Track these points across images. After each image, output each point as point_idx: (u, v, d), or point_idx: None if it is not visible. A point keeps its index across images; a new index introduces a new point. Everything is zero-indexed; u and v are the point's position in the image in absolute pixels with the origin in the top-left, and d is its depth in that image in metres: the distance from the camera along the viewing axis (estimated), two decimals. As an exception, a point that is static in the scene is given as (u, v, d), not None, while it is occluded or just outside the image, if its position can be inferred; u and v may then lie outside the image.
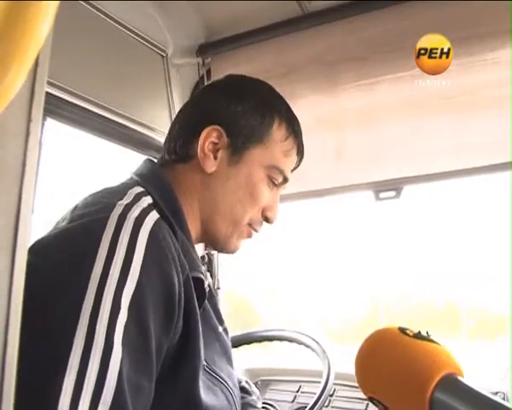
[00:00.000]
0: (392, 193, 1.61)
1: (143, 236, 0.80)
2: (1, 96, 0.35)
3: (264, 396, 1.71)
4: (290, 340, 1.49)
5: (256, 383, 1.76)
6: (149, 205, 0.88)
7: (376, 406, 0.63)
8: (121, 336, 0.72)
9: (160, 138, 1.72)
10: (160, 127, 1.75)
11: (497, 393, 1.45)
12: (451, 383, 0.56)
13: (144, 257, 0.78)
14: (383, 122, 1.60)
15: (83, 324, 0.71)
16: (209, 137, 1.02)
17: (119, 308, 0.73)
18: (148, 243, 0.80)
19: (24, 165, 0.49)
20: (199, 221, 1.05)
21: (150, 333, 0.78)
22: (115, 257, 0.76)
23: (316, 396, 1.28)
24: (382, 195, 1.62)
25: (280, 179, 1.08)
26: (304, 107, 1.72)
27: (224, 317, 1.13)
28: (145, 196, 0.91)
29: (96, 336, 0.70)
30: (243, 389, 1.20)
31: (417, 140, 1.56)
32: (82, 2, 1.47)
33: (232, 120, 1.04)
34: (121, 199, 0.87)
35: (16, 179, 0.48)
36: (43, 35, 0.35)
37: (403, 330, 0.62)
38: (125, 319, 0.73)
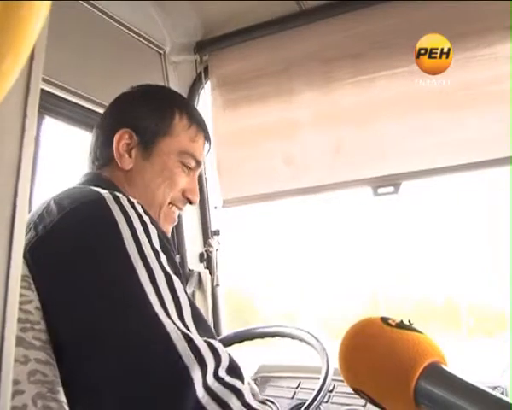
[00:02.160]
0: (391, 188, 1.61)
1: (139, 207, 0.92)
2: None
3: (264, 393, 1.71)
4: (290, 336, 1.50)
5: (255, 380, 1.76)
6: None
7: (362, 397, 0.63)
8: (169, 270, 0.86)
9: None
10: (158, 125, 1.75)
11: (496, 388, 1.45)
12: (436, 372, 0.56)
13: (150, 220, 0.91)
14: (381, 118, 1.60)
15: (140, 267, 0.82)
16: (122, 140, 1.15)
17: (157, 251, 0.87)
18: (144, 212, 0.92)
19: (20, 161, 0.49)
20: None
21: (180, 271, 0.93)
22: (133, 222, 0.87)
23: (315, 392, 1.28)
24: (380, 190, 1.62)
25: (192, 163, 1.21)
26: (301, 103, 1.73)
27: None
28: None
29: (155, 273, 0.83)
30: None
31: (415, 136, 1.56)
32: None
33: (138, 121, 1.17)
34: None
35: (12, 176, 0.49)
36: (35, 28, 0.35)
37: (385, 321, 0.61)
38: (165, 259, 0.87)
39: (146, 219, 0.91)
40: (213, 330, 0.89)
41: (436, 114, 1.53)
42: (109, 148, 1.15)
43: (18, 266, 0.49)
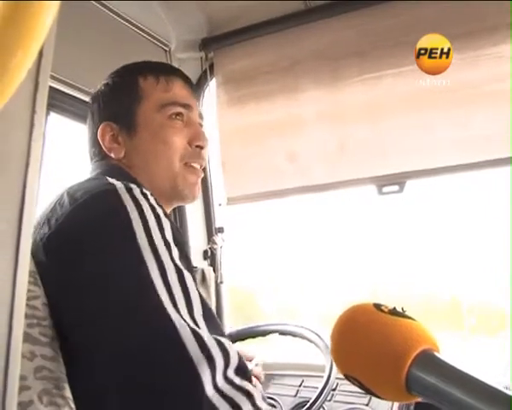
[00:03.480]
0: (396, 187, 1.61)
1: (153, 199, 0.90)
2: (6, 85, 0.35)
3: (267, 390, 1.71)
4: (293, 334, 1.50)
5: (259, 378, 1.76)
6: None
7: (353, 383, 0.62)
8: (181, 264, 0.84)
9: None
10: (162, 122, 1.75)
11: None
12: (428, 359, 0.55)
13: (163, 212, 0.90)
14: (386, 116, 1.60)
15: (150, 260, 0.81)
16: (105, 134, 1.12)
17: (169, 245, 0.85)
18: (158, 204, 0.90)
19: (28, 156, 0.49)
20: None
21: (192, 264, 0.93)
22: (146, 214, 0.86)
23: (318, 390, 1.28)
24: (385, 189, 1.62)
25: (179, 109, 1.14)
26: (307, 101, 1.72)
27: None
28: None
29: (166, 266, 0.81)
30: None
31: (420, 134, 1.56)
32: (86, -4, 1.48)
33: (109, 109, 1.14)
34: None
35: (20, 170, 0.49)
36: (45, 25, 0.36)
37: (378, 307, 0.61)
38: (177, 252, 0.86)
39: (159, 211, 0.88)
40: (223, 329, 0.87)
41: (442, 112, 1.53)
42: (98, 145, 1.13)
43: (26, 260, 0.49)
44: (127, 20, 1.64)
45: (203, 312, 0.81)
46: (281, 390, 1.72)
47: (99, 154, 1.14)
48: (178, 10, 1.73)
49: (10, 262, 0.48)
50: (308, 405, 1.26)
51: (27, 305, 0.81)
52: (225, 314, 1.99)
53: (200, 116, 1.21)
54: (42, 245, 0.89)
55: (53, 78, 1.37)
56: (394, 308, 0.61)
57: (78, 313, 0.83)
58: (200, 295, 0.83)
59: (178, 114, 1.14)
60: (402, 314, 0.60)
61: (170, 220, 0.91)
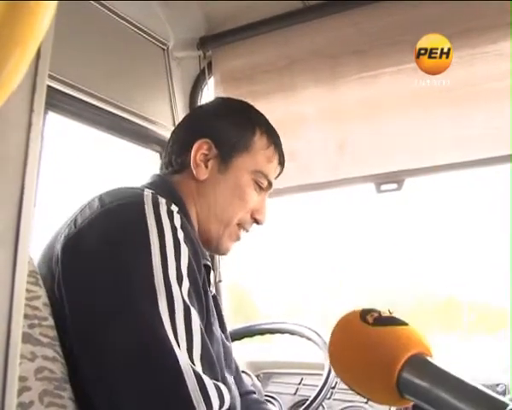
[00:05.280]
0: (394, 185, 1.61)
1: (177, 220, 0.92)
2: (3, 84, 0.35)
3: (266, 389, 1.72)
4: (292, 333, 1.50)
5: (258, 376, 1.76)
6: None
7: (352, 390, 0.63)
8: (188, 299, 0.86)
9: (161, 132, 1.73)
10: (161, 120, 1.75)
11: (498, 385, 1.46)
12: (418, 363, 0.56)
13: (184, 237, 0.91)
14: (385, 114, 1.60)
15: (161, 294, 0.82)
16: (200, 149, 1.16)
17: (182, 277, 0.86)
18: (181, 227, 0.92)
19: (26, 156, 0.49)
20: (195, 223, 1.16)
21: (203, 298, 0.93)
22: (166, 236, 0.88)
23: (317, 389, 1.28)
24: (384, 187, 1.62)
25: (265, 183, 1.21)
26: (306, 99, 1.72)
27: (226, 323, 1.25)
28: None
29: (175, 303, 0.83)
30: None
31: (419, 132, 1.56)
32: (83, -5, 1.47)
33: (219, 133, 1.18)
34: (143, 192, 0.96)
35: (18, 170, 0.49)
36: (43, 24, 0.36)
37: (363, 317, 0.61)
38: (188, 285, 0.87)
39: (180, 235, 0.90)
40: (219, 372, 0.89)
41: (440, 110, 1.53)
42: (186, 155, 1.16)
43: (24, 261, 0.49)
44: (125, 19, 1.64)
45: (202, 355, 0.83)
46: (280, 389, 1.72)
47: (181, 164, 1.17)
48: (176, 9, 1.72)
49: (8, 263, 0.47)
50: (307, 403, 1.27)
51: (28, 305, 0.81)
52: (224, 313, 1.99)
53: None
54: (64, 243, 0.91)
55: (51, 77, 1.36)
56: (380, 315, 0.61)
57: (84, 329, 0.85)
58: (203, 336, 0.85)
59: (262, 185, 1.21)
60: (388, 322, 0.60)
61: (191, 242, 0.93)
